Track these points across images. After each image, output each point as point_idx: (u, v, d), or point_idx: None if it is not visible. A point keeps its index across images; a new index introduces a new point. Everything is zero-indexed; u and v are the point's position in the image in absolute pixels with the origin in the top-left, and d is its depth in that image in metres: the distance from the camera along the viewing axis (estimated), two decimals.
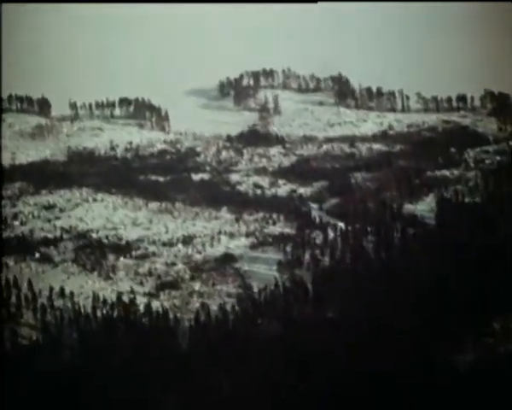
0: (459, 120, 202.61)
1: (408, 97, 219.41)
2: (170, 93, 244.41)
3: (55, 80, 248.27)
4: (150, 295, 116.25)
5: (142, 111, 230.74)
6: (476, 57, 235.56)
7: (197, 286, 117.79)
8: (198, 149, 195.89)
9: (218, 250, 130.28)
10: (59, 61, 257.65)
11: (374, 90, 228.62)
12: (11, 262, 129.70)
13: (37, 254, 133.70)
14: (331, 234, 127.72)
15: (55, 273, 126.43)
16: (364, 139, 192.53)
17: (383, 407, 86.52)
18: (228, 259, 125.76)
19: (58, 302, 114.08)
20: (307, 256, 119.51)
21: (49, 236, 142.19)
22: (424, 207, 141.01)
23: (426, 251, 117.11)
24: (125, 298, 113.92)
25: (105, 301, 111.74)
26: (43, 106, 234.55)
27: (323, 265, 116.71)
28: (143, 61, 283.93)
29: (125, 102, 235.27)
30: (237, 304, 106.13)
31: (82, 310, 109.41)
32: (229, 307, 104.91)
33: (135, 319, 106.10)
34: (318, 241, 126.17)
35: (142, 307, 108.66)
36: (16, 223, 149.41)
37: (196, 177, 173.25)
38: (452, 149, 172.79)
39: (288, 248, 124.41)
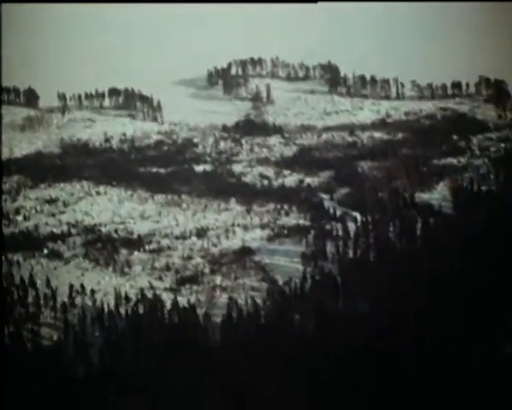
0: (456, 107, 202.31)
1: (403, 85, 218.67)
2: (157, 83, 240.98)
3: (42, 72, 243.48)
4: (171, 290, 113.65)
5: (133, 101, 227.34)
6: (470, 44, 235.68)
7: (218, 280, 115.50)
8: (195, 140, 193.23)
9: (234, 243, 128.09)
10: (46, 53, 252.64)
11: (367, 78, 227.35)
12: (19, 259, 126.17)
13: (45, 250, 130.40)
14: (352, 225, 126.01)
15: (68, 270, 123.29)
16: (364, 128, 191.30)
17: (413, 397, 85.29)
18: (246, 252, 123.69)
19: (77, 300, 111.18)
20: (331, 248, 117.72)
21: (56, 231, 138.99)
22: (437, 195, 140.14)
23: (448, 241, 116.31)
24: (147, 294, 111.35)
25: (127, 297, 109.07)
26: (31, 97, 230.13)
27: (349, 256, 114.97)
28: (129, 51, 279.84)
29: (114, 92, 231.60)
30: (267, 298, 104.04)
31: (105, 307, 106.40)
32: (258, 302, 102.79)
33: (162, 316, 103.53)
34: (337, 232, 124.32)
35: (168, 304, 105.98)
36: (19, 218, 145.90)
37: (198, 168, 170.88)
38: (454, 137, 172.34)
39: (308, 240, 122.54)
